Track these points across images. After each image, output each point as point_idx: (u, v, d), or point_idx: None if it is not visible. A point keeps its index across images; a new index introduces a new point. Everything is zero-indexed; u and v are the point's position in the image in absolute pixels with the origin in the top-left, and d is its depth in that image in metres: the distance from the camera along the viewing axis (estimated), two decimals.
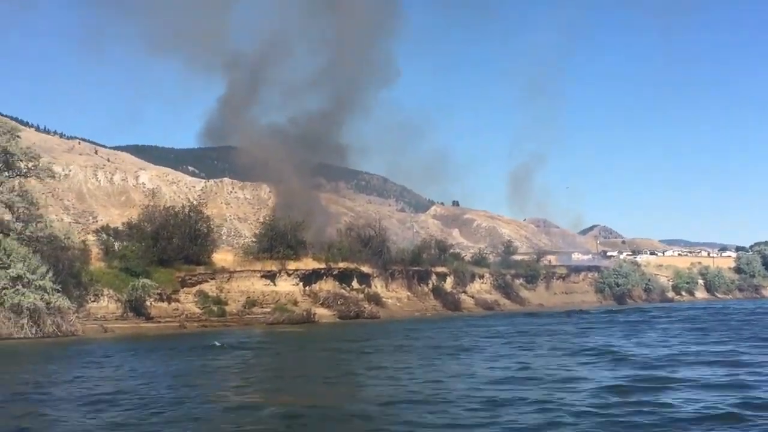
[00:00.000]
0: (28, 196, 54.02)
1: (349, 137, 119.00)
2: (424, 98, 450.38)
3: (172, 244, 66.38)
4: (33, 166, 54.99)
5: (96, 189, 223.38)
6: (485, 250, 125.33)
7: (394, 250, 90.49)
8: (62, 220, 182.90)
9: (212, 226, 76.02)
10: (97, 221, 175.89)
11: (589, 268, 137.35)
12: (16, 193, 53.36)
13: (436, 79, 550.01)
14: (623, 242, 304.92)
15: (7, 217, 54.58)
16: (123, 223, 73.68)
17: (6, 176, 53.60)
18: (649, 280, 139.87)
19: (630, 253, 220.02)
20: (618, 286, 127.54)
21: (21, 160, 54.04)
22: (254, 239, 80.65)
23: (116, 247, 64.40)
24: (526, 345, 40.99)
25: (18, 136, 55.46)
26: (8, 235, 53.21)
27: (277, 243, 74.60)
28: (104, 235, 66.41)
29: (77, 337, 51.32)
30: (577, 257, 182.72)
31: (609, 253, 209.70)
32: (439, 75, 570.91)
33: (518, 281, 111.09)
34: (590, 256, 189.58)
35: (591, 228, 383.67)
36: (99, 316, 57.08)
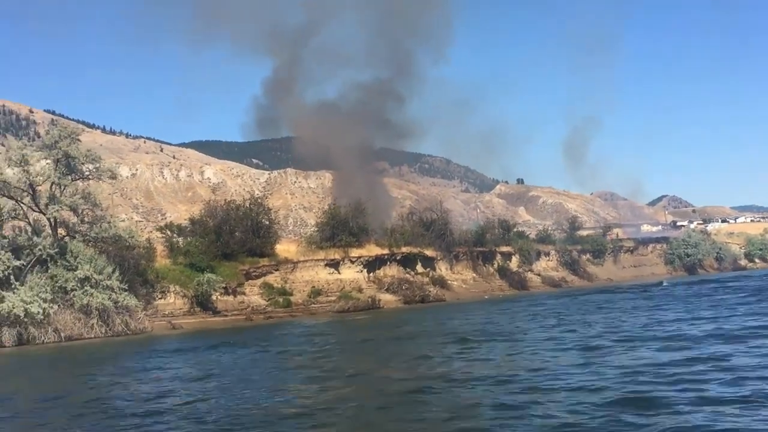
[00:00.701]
0: (91, 198, 54.84)
1: (404, 115, 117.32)
2: (475, 72, 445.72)
3: (234, 238, 66.96)
4: (95, 168, 55.80)
5: (163, 186, 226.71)
6: (550, 227, 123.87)
7: (458, 231, 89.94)
8: (131, 218, 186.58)
9: (274, 218, 76.24)
10: (165, 218, 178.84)
11: (658, 240, 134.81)
12: (79, 196, 54.21)
13: (485, 52, 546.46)
14: (694, 211, 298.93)
15: (73, 219, 55.65)
16: (186, 219, 74.42)
17: (69, 179, 54.43)
18: (720, 248, 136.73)
19: (701, 222, 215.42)
20: (688, 257, 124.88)
21: (83, 163, 54.78)
22: (316, 228, 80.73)
23: (180, 244, 65.05)
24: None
25: (79, 140, 56.33)
26: (74, 237, 54.31)
27: (339, 231, 74.66)
28: (168, 232, 67.14)
29: (146, 334, 52.12)
30: (647, 229, 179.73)
31: (679, 223, 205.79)
32: (488, 47, 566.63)
33: (585, 257, 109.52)
34: (660, 227, 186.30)
35: (660, 198, 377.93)
36: (166, 312, 57.89)
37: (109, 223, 56.55)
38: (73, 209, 54.35)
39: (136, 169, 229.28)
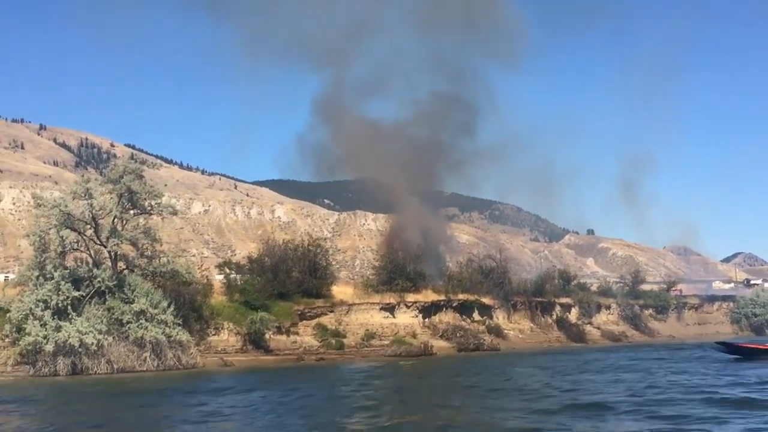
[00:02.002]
0: (151, 233, 56.04)
1: (458, 154, 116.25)
2: (529, 109, 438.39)
3: (291, 278, 67.49)
4: (156, 203, 56.99)
5: (234, 223, 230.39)
6: (612, 280, 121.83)
7: (517, 280, 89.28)
8: (201, 254, 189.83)
9: (332, 259, 76.71)
10: (235, 254, 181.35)
11: (724, 298, 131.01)
12: (140, 230, 55.49)
13: (541, 88, 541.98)
14: None
15: (132, 253, 56.92)
16: (244, 257, 75.33)
17: (131, 214, 55.78)
18: None
19: None
20: (755, 317, 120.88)
21: (145, 199, 56.06)
22: (374, 272, 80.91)
23: (238, 281, 65.86)
24: None
25: (142, 176, 57.71)
26: (133, 270, 55.52)
27: (396, 275, 74.71)
28: (226, 270, 68.07)
29: (198, 369, 52.80)
30: (718, 286, 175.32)
31: (753, 281, 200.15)
32: (545, 84, 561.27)
33: (647, 312, 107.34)
34: (732, 284, 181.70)
35: (735, 255, 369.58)
36: (219, 348, 58.59)
37: (167, 258, 57.82)
38: (133, 243, 55.59)
39: (209, 205, 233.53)
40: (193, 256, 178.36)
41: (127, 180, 54.74)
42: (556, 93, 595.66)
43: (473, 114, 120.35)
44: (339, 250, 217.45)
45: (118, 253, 55.12)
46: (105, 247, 54.19)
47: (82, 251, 54.97)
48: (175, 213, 60.68)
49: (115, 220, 54.85)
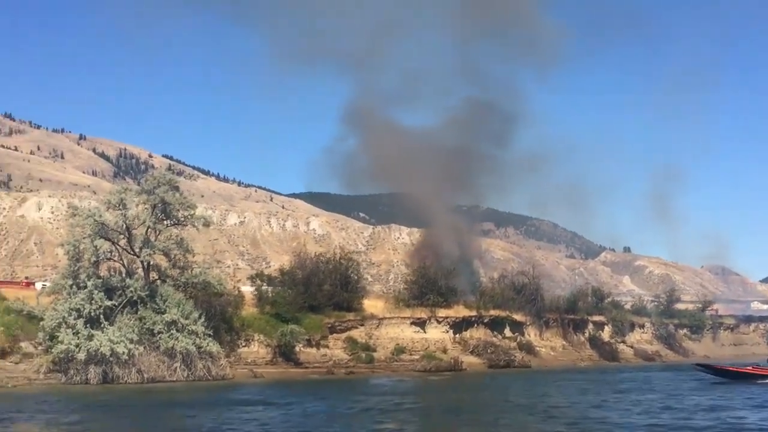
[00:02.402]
0: (183, 243, 56.42)
1: (492, 164, 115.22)
2: (560, 122, 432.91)
3: (322, 291, 67.52)
4: (189, 215, 57.33)
5: (269, 235, 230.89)
6: (645, 299, 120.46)
7: (550, 297, 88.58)
8: (237, 265, 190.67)
9: (363, 273, 76.72)
10: (269, 266, 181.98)
11: (761, 319, 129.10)
12: (173, 241, 55.89)
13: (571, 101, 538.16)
14: None
15: (165, 263, 57.31)
16: (276, 269, 75.49)
17: (164, 225, 56.18)
18: None
19: None
20: None
21: (178, 210, 56.42)
22: (405, 286, 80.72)
23: (270, 293, 66.01)
24: None
25: (176, 187, 58.13)
26: (165, 281, 55.89)
27: (427, 290, 74.50)
28: (258, 282, 68.29)
29: (227, 380, 52.95)
30: (757, 307, 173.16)
31: None
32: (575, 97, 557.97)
33: (682, 332, 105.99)
34: None
35: None
36: (249, 360, 58.77)
37: (200, 269, 58.20)
38: (166, 254, 55.99)
39: (245, 217, 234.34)
40: (228, 267, 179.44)
41: (161, 191, 55.15)
42: (588, 107, 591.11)
43: (507, 122, 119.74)
44: (373, 263, 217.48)
45: (151, 263, 55.54)
46: (138, 257, 54.61)
47: (115, 261, 55.59)
48: (207, 224, 60.91)
49: (149, 230, 55.32)
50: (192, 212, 57.71)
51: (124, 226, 54.02)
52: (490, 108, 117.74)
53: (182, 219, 57.09)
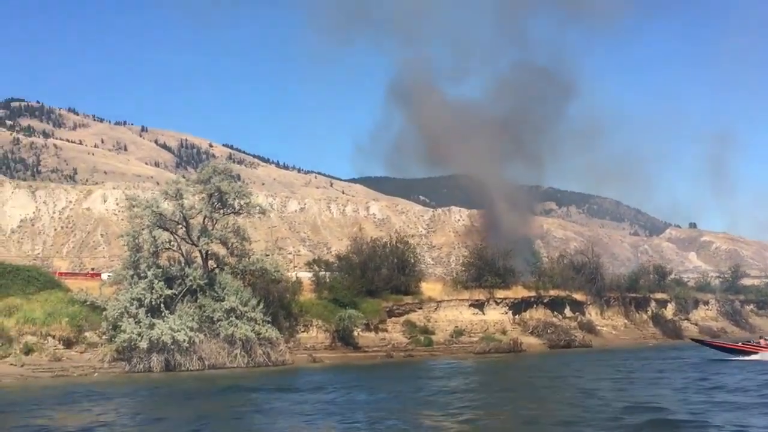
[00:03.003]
0: (240, 231, 57.07)
1: (549, 134, 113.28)
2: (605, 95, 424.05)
3: (380, 275, 67.81)
4: (245, 203, 57.87)
5: (329, 221, 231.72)
6: (710, 275, 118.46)
7: (610, 276, 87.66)
8: (299, 251, 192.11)
9: (422, 256, 76.78)
10: (330, 251, 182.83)
11: None
12: (230, 230, 56.55)
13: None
14: None
15: (223, 252, 58.05)
16: (330, 255, 75.93)
17: (221, 214, 56.82)
18: None
19: None
20: None
21: (234, 199, 56.99)
22: (463, 268, 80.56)
23: (327, 279, 66.45)
24: None
25: (231, 176, 58.72)
26: (223, 269, 56.60)
27: (485, 272, 74.27)
28: (316, 267, 68.79)
29: (287, 366, 53.48)
30: None
31: None
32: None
33: (748, 307, 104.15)
34: None
35: None
36: (308, 345, 59.31)
37: (257, 256, 58.83)
38: (223, 242, 56.70)
39: (305, 204, 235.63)
40: (290, 254, 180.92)
41: (217, 180, 55.80)
42: (641, 74, 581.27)
43: (560, 89, 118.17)
44: (434, 246, 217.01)
45: (209, 252, 56.30)
46: (196, 246, 55.36)
47: (174, 250, 56.32)
48: (263, 212, 61.60)
49: (206, 219, 56.04)
50: (248, 200, 58.21)
51: (182, 215, 54.74)
52: (542, 74, 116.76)
53: (238, 208, 57.64)
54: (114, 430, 25.89)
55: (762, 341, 58.57)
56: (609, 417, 25.95)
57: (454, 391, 36.64)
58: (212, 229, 55.78)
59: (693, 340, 67.10)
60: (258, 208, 59.56)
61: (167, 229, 54.85)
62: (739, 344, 59.80)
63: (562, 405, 30.92)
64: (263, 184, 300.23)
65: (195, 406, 32.13)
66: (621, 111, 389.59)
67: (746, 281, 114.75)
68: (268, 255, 64.26)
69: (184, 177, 63.13)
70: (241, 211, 58.03)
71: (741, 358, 55.34)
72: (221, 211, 56.90)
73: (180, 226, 55.44)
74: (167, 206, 55.18)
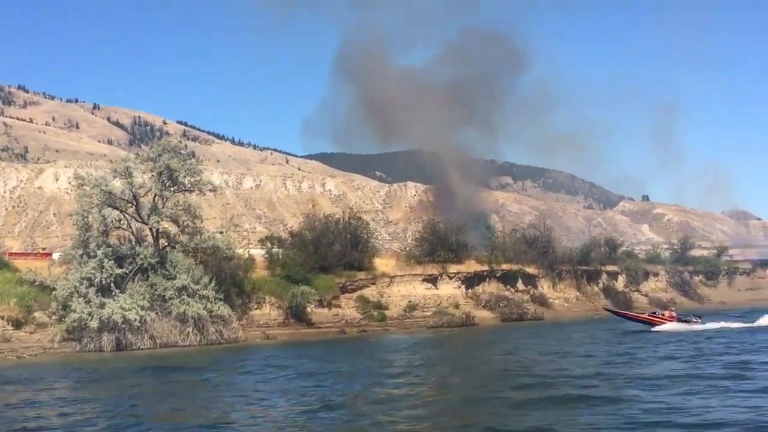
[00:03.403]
0: (191, 209, 56.69)
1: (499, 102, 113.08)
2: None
3: (332, 251, 67.89)
4: (196, 181, 57.46)
5: (285, 197, 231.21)
6: (660, 247, 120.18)
7: (562, 249, 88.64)
8: (255, 228, 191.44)
9: (376, 231, 77.02)
10: (287, 228, 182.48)
11: None
12: (180, 208, 56.19)
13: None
14: None
15: (174, 230, 57.72)
16: (286, 231, 75.86)
17: (171, 191, 56.41)
18: None
19: None
20: None
21: (184, 176, 56.56)
22: (416, 243, 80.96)
23: (280, 256, 66.41)
24: None
25: (181, 154, 58.35)
26: (174, 247, 56.31)
27: (438, 247, 74.71)
28: (268, 244, 68.70)
29: (240, 343, 53.52)
30: None
31: None
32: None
33: (697, 278, 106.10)
34: None
35: None
36: (261, 322, 59.30)
37: (208, 234, 58.63)
38: (174, 220, 56.37)
39: (260, 180, 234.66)
40: (246, 231, 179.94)
41: (166, 158, 55.31)
42: (591, 45, 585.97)
43: (511, 57, 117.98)
44: (390, 222, 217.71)
45: (160, 230, 55.97)
46: (146, 224, 54.97)
47: (124, 229, 55.83)
48: (214, 190, 61.17)
49: (156, 197, 55.64)
50: (199, 178, 57.75)
51: (131, 194, 54.29)
52: (492, 40, 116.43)
53: (189, 185, 57.24)
54: (38, 411, 25.57)
55: (666, 313, 60.14)
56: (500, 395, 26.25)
57: (387, 365, 37.06)
58: (163, 207, 55.36)
59: (606, 309, 69.63)
60: (209, 185, 59.11)
61: (117, 208, 54.34)
62: (645, 315, 61.13)
63: (471, 382, 31.36)
64: (218, 161, 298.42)
65: (129, 385, 32.01)
66: (572, 82, 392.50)
67: (697, 252, 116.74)
68: (222, 232, 63.93)
69: (137, 155, 62.22)
70: (192, 189, 57.53)
71: (650, 328, 56.59)
72: (172, 189, 56.40)
73: (130, 204, 54.99)
74: (117, 184, 54.72)
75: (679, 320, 57.39)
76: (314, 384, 30.12)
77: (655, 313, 61.80)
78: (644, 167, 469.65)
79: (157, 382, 33.12)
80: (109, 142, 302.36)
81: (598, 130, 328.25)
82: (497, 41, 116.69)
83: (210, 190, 59.63)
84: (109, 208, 53.61)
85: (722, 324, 56.20)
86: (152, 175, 56.14)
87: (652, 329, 56.11)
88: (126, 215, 55.32)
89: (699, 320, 57.41)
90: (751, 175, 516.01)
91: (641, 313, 63.42)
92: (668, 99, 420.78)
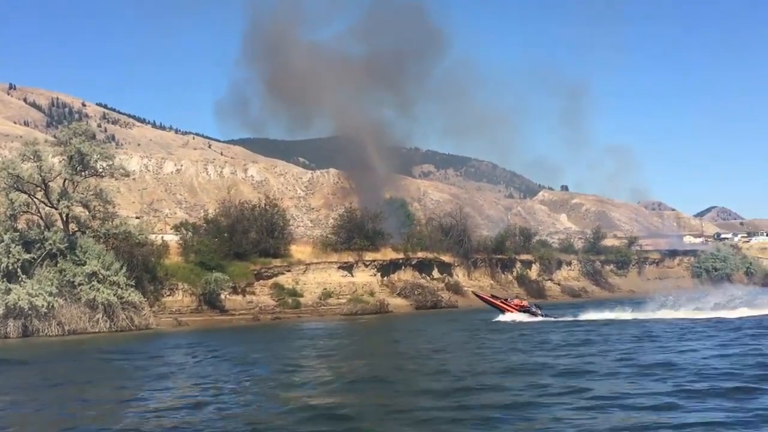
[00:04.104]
0: (103, 194, 55.94)
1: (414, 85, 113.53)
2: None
3: (248, 238, 67.69)
4: (108, 165, 56.71)
5: (207, 183, 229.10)
6: (573, 236, 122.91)
7: (478, 238, 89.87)
8: (175, 213, 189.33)
9: (287, 218, 76.84)
10: (207, 214, 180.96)
11: (686, 253, 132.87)
12: (92, 192, 55.42)
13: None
14: (741, 224, 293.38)
15: (85, 215, 56.90)
16: (199, 218, 75.40)
17: (82, 176, 55.54)
18: (750, 263, 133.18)
19: (745, 234, 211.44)
20: (716, 270, 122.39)
21: (96, 161, 55.75)
22: (332, 231, 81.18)
23: (194, 242, 65.97)
24: None
25: (93, 138, 57.53)
26: (85, 232, 55.53)
27: (354, 234, 75.08)
28: (183, 231, 68.17)
29: (151, 330, 53.16)
30: (690, 240, 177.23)
31: (723, 236, 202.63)
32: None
33: (608, 268, 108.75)
34: (702, 239, 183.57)
35: (709, 209, 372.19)
36: (174, 309, 58.96)
37: (119, 220, 57.98)
38: (85, 205, 55.60)
39: (181, 165, 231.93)
40: (166, 216, 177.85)
41: (77, 142, 54.48)
42: (505, 26, 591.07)
43: (428, 33, 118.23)
44: (312, 208, 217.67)
45: (70, 215, 55.09)
46: (56, 209, 54.12)
47: (33, 214, 54.89)
48: (127, 174, 60.70)
49: (66, 182, 54.77)
50: (111, 162, 57.07)
51: (40, 178, 53.41)
52: (407, 14, 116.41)
53: (101, 170, 56.47)
54: None
55: (516, 301, 60.55)
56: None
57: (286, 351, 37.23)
58: (73, 192, 54.59)
59: (474, 294, 69.51)
60: (121, 170, 58.47)
61: (25, 192, 53.46)
62: (499, 301, 60.84)
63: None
64: (139, 144, 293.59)
65: (23, 375, 31.58)
66: (488, 64, 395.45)
67: (610, 242, 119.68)
68: (139, 218, 63.19)
69: (55, 137, 61.06)
70: (103, 173, 56.82)
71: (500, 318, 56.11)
72: (83, 173, 55.59)
73: (39, 188, 54.07)
74: (25, 168, 53.69)
75: (522, 310, 57.10)
76: (208, 371, 30.08)
77: (506, 300, 61.64)
78: (555, 150, 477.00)
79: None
80: (26, 124, 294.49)
81: (514, 114, 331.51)
82: (410, 15, 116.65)
83: (123, 175, 59.09)
84: (17, 192, 52.71)
85: (558, 318, 55.50)
86: (62, 159, 55.28)
87: (499, 317, 55.97)
88: (35, 199, 54.40)
89: (540, 311, 57.34)
90: (663, 165, 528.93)
91: (498, 299, 62.37)
92: (577, 82, 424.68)
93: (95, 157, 55.58)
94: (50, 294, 49.68)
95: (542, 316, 56.64)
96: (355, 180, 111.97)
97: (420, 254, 79.38)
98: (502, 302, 59.75)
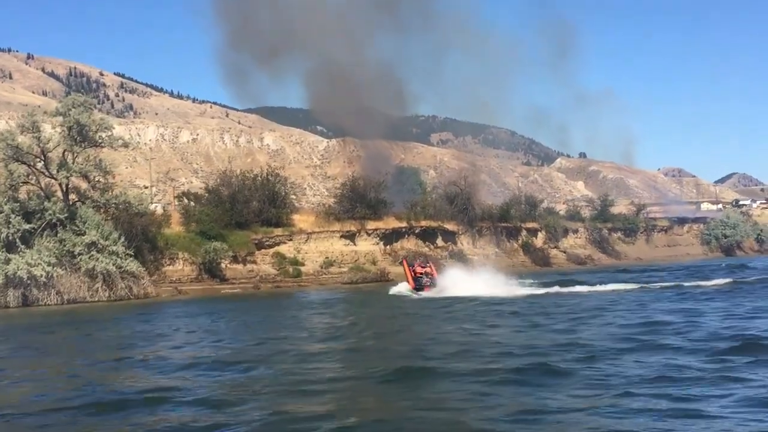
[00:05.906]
0: (102, 165, 56.45)
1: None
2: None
3: (249, 207, 68.07)
4: (107, 136, 57.16)
5: (222, 152, 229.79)
6: (580, 204, 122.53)
7: (483, 207, 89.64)
8: (191, 182, 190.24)
9: (292, 187, 77.00)
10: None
11: (695, 220, 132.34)
12: (91, 163, 55.94)
13: None
14: (762, 190, 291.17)
15: (85, 185, 57.49)
16: (201, 188, 75.86)
17: (82, 147, 56.02)
18: (761, 230, 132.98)
19: (764, 201, 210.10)
20: (725, 238, 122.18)
21: (95, 132, 56.19)
22: (335, 200, 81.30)
23: (195, 212, 66.43)
24: None
25: (92, 108, 57.98)
26: (84, 203, 56.11)
27: (357, 203, 75.24)
28: (185, 200, 68.68)
29: (150, 299, 53.81)
30: (707, 208, 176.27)
31: (741, 202, 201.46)
32: None
33: (616, 235, 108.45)
34: (719, 206, 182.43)
35: (729, 176, 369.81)
36: (174, 278, 59.63)
37: (119, 190, 58.54)
38: (84, 176, 56.15)
39: (197, 134, 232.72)
40: (182, 185, 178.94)
41: (75, 113, 54.91)
42: None
43: None
44: (329, 177, 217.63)
45: (69, 185, 55.69)
46: (55, 179, 54.73)
47: (32, 184, 55.55)
48: (126, 146, 60.94)
49: (65, 152, 55.31)
50: (110, 133, 57.54)
51: (39, 149, 54.00)
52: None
53: (99, 140, 56.92)
54: None
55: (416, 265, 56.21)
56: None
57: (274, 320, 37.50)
58: (73, 163, 55.14)
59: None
60: (120, 141, 58.97)
61: (25, 162, 54.11)
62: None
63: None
64: (156, 114, 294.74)
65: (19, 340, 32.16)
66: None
67: (623, 209, 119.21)
68: (146, 188, 63.69)
69: (37, 110, 61.52)
70: (102, 144, 57.27)
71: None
72: (82, 144, 56.07)
73: (38, 159, 54.68)
74: (24, 139, 54.28)
75: (416, 279, 53.00)
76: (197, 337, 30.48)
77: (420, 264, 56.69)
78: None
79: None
80: (44, 94, 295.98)
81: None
82: None
83: (122, 146, 59.43)
84: (17, 163, 53.35)
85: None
86: (62, 130, 55.81)
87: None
88: (35, 170, 55.03)
89: (431, 281, 52.50)
90: (683, 131, 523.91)
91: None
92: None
93: (94, 127, 56.09)
94: (49, 264, 50.32)
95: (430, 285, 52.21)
96: (363, 147, 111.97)
97: (424, 223, 79.38)
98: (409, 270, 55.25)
